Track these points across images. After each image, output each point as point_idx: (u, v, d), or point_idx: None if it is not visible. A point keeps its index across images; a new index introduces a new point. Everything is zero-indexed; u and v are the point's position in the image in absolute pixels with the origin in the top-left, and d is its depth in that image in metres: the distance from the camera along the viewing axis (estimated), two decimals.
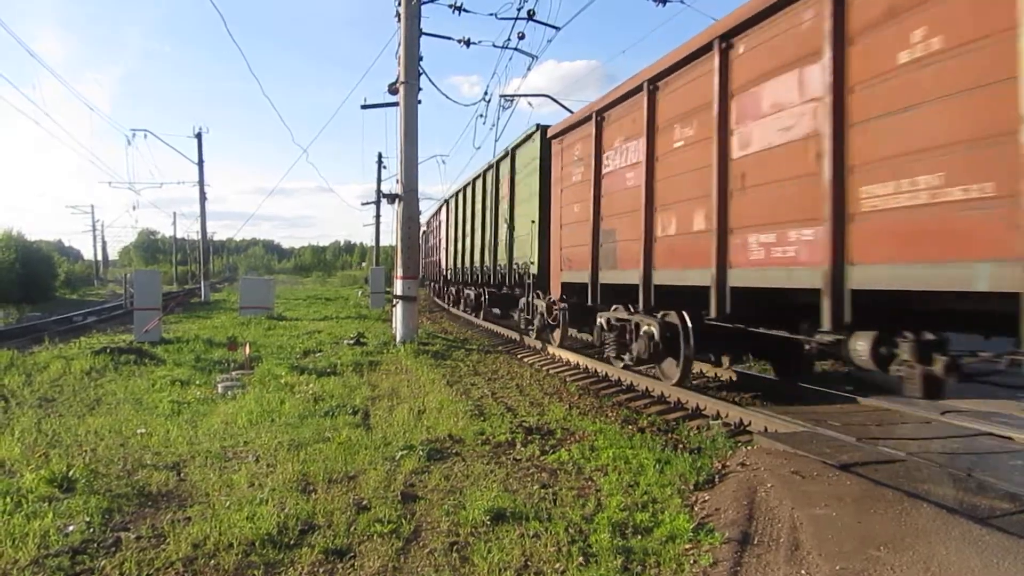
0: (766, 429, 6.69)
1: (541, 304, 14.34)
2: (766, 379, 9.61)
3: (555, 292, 12.38)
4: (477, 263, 20.48)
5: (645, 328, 9.23)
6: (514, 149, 16.13)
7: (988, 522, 3.99)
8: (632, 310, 9.84)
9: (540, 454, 6.04)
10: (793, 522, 4.07)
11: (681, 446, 6.31)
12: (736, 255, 6.93)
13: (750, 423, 7.04)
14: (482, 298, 21.19)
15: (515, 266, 15.87)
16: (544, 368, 11.97)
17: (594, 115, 10.35)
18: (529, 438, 6.55)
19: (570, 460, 5.83)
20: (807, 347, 7.19)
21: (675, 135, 8.09)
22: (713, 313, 7.24)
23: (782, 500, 4.41)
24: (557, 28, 16.25)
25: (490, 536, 4.22)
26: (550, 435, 6.72)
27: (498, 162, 17.84)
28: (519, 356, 13.63)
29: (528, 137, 14.99)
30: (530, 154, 14.62)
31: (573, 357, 12.28)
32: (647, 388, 9.34)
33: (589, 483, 5.28)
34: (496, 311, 20.80)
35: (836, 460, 5.22)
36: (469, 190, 21.93)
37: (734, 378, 9.85)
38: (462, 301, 25.21)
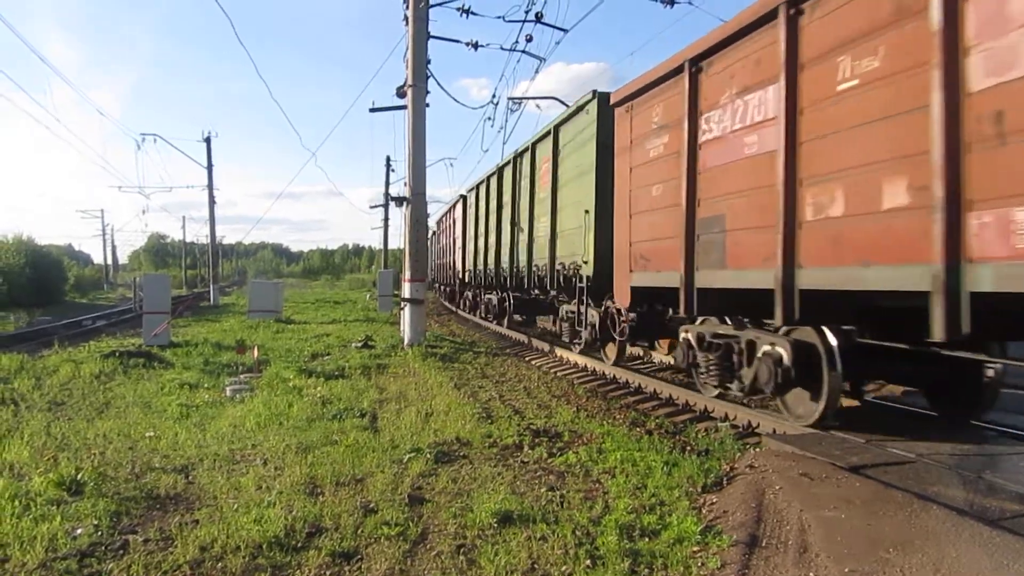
0: (774, 431, 6.66)
1: (594, 313, 11.64)
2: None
3: (621, 299, 9.84)
4: (505, 264, 17.87)
5: (767, 349, 6.97)
6: (558, 126, 13.47)
7: (998, 524, 3.96)
8: (737, 323, 7.75)
9: (547, 457, 6.03)
10: (802, 524, 4.05)
11: (689, 448, 6.29)
12: (981, 242, 4.59)
13: (759, 425, 7.01)
14: (506, 303, 18.88)
15: (558, 267, 13.32)
16: (552, 371, 11.95)
17: (686, 65, 7.86)
18: (537, 441, 6.54)
19: (578, 463, 5.82)
20: (990, 373, 5.77)
21: (840, 72, 5.68)
22: (940, 333, 4.90)
23: (791, 502, 4.38)
24: (565, 30, 16.24)
25: (497, 539, 4.21)
26: (558, 438, 6.71)
27: (534, 144, 15.26)
28: (526, 359, 13.62)
29: (580, 108, 12.20)
30: (582, 130, 12.02)
31: (581, 359, 12.25)
32: (655, 390, 9.32)
33: (597, 485, 5.27)
34: (519, 318, 19.18)
35: (845, 462, 5.19)
36: (494, 181, 19.49)
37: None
38: (481, 306, 22.64)
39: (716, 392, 8.19)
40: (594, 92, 11.47)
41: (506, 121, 21.46)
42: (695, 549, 4.03)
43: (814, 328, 6.47)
